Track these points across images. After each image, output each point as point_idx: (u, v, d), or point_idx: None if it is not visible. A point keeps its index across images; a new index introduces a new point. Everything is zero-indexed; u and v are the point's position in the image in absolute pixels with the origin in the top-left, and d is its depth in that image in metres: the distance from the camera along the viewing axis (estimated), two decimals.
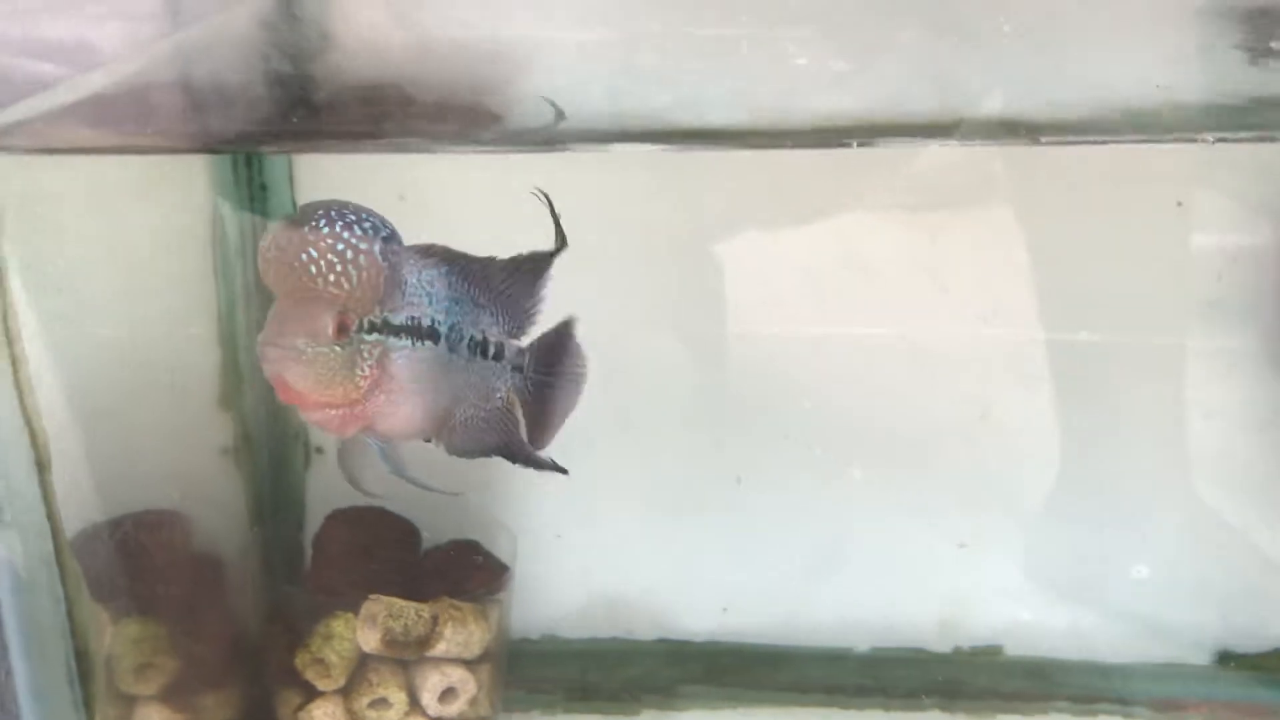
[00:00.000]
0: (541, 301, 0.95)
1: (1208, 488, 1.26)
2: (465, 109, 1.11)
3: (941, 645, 1.32)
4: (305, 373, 0.80)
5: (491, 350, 0.94)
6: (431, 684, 1.13)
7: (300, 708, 1.13)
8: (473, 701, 1.16)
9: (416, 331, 0.87)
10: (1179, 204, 1.19)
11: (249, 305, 1.24)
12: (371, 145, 1.18)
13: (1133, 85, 0.89)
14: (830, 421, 1.27)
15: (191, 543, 1.20)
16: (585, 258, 1.22)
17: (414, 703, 1.14)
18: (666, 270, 1.26)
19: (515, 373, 0.96)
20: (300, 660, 1.12)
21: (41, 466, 0.79)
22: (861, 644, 1.33)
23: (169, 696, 1.12)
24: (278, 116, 1.12)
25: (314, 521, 1.25)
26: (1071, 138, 0.91)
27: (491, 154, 1.16)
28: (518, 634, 1.31)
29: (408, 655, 1.13)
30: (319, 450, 1.32)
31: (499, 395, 0.95)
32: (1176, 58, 0.88)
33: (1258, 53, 0.88)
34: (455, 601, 1.14)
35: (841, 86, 0.91)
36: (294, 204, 1.24)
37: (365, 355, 0.83)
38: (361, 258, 0.81)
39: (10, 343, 0.78)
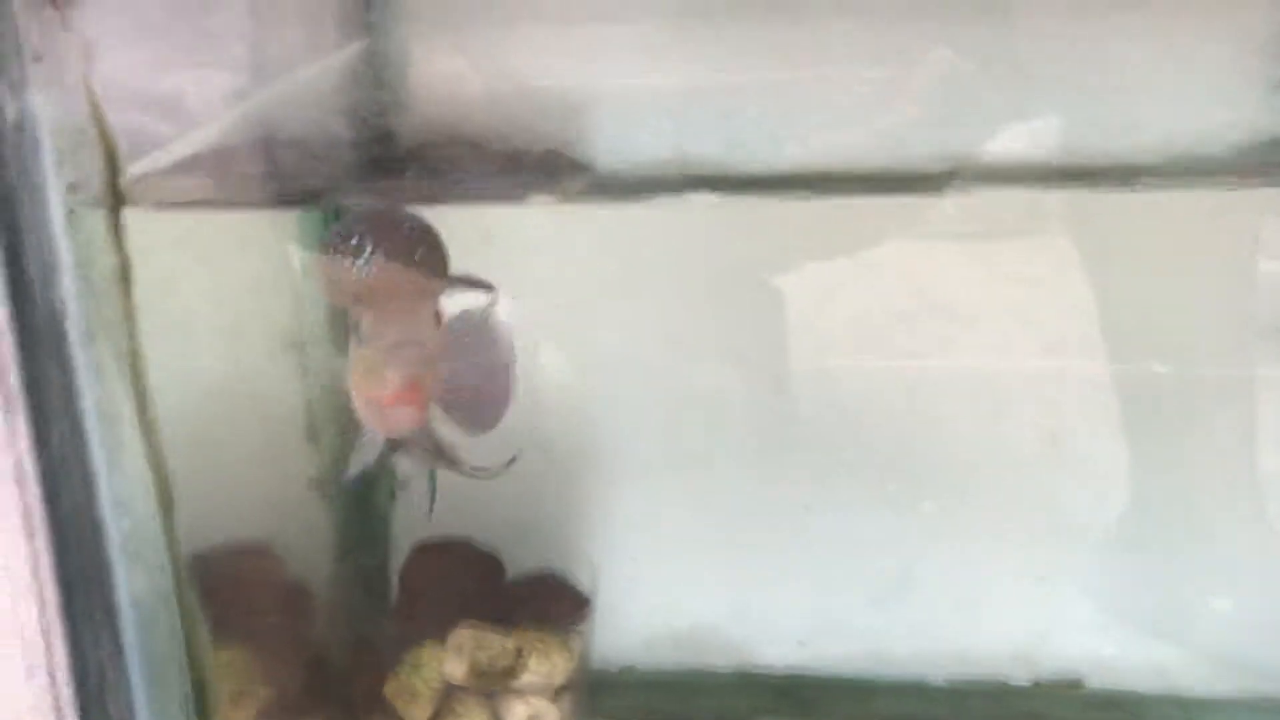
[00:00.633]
0: None
1: None
2: (540, 159, 1.15)
3: (1020, 677, 1.32)
4: (429, 365, 0.82)
5: None
6: (516, 714, 1.15)
7: None
8: None
9: None
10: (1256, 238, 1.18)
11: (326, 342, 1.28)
12: (448, 196, 1.22)
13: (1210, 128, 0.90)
14: (902, 455, 1.27)
15: (282, 573, 1.24)
16: (663, 296, 1.24)
17: None
18: (740, 308, 1.28)
19: None
20: (390, 689, 1.15)
21: (165, 507, 0.83)
22: (937, 676, 1.33)
23: None
24: (359, 171, 1.16)
25: (400, 553, 1.28)
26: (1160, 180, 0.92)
27: (569, 204, 1.19)
28: (598, 664, 1.32)
29: (493, 686, 1.15)
30: (402, 485, 1.36)
31: None
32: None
33: None
34: (539, 633, 1.16)
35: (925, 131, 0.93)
36: None
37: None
38: (422, 246, 0.84)
39: (138, 384, 0.82)
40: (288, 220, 1.21)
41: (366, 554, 1.32)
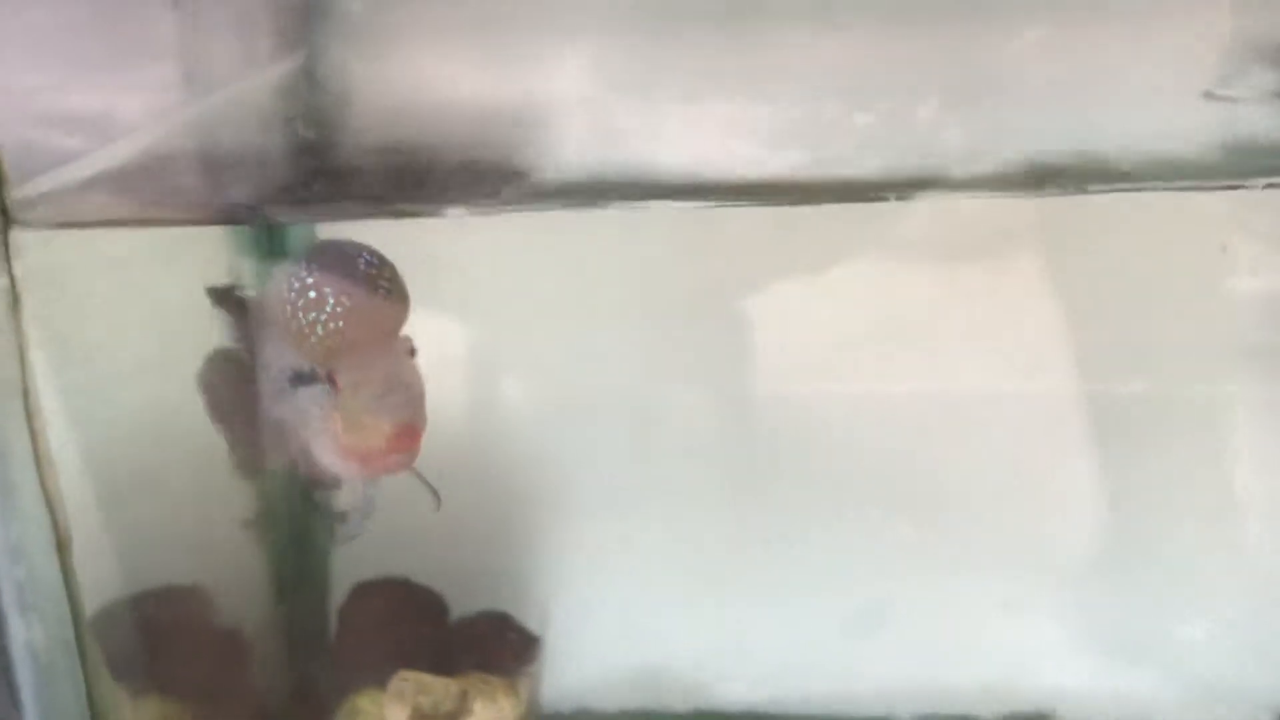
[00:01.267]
0: None
1: (1259, 541, 1.22)
2: (487, 169, 1.11)
3: (988, 713, 1.28)
4: (420, 403, 0.77)
5: None
6: None
7: None
8: None
9: None
10: (1223, 249, 1.17)
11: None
12: (392, 210, 1.18)
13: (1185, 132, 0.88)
14: (868, 484, 1.24)
15: (214, 618, 1.18)
16: (618, 316, 1.21)
17: None
18: (704, 329, 1.24)
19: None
20: None
21: (61, 547, 0.77)
22: (904, 713, 1.29)
23: None
24: (298, 185, 1.11)
25: (339, 594, 1.23)
26: (1118, 185, 0.90)
27: (515, 214, 1.15)
28: (549, 707, 1.28)
29: None
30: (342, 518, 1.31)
31: None
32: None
33: None
34: (485, 675, 1.12)
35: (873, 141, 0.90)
36: None
37: None
38: (381, 277, 0.79)
39: (31, 419, 0.76)
40: (218, 238, 1.16)
41: (304, 595, 1.26)
